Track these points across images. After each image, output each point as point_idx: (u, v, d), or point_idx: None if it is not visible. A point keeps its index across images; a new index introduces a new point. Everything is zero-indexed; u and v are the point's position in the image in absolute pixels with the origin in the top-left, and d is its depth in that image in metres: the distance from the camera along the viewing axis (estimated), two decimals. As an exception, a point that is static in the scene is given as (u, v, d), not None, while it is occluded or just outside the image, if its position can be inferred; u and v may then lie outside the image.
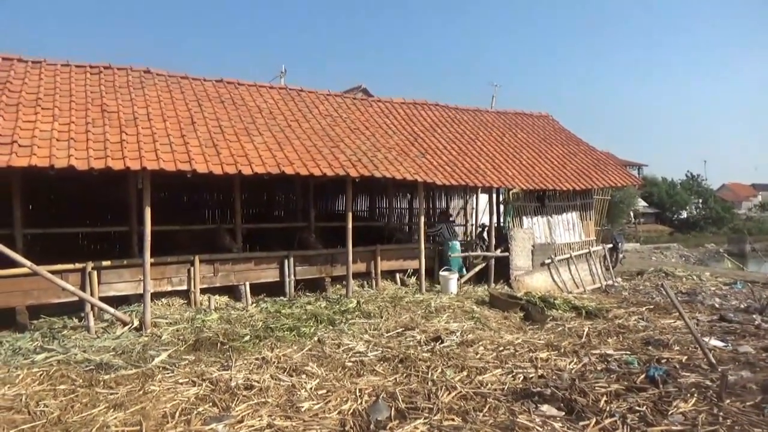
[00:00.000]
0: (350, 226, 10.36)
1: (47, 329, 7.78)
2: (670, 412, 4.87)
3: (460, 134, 13.69)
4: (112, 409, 5.03)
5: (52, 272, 7.73)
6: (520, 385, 5.72)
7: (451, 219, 14.81)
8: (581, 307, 9.85)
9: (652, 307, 10.24)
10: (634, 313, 9.63)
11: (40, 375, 5.92)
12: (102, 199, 12.54)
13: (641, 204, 49.73)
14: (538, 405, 5.10)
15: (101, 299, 8.19)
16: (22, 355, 6.64)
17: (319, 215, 13.62)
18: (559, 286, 12.83)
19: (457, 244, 12.63)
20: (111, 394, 5.42)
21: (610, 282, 13.96)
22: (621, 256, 16.98)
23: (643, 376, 5.85)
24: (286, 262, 10.23)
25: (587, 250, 13.79)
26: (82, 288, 8.14)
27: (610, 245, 15.59)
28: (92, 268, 8.35)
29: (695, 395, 5.21)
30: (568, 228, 13.76)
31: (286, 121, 11.05)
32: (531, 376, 6.04)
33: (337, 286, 10.85)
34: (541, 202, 13.24)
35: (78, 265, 8.28)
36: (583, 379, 5.88)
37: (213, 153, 8.81)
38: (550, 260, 12.93)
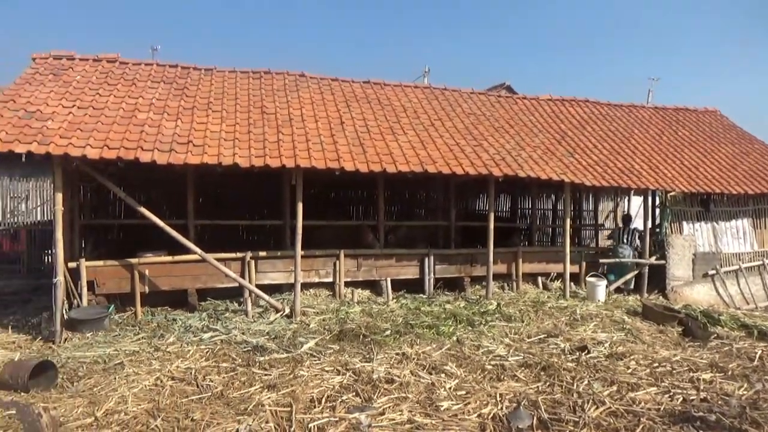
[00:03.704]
0: (492, 226, 10.18)
1: (212, 311, 8.65)
2: None
3: (612, 132, 12.84)
4: (266, 390, 5.45)
5: (218, 260, 8.58)
6: (679, 408, 5.23)
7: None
8: (753, 325, 8.75)
9: None
10: (822, 338, 8.37)
11: (207, 352, 6.60)
12: (259, 194, 13.56)
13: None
14: None
15: (257, 287, 8.90)
16: (192, 333, 7.45)
17: (459, 214, 13.56)
18: (724, 301, 11.53)
19: (626, 249, 11.78)
20: (265, 375, 5.87)
21: (789, 299, 12.25)
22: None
23: (834, 411, 5.07)
24: (426, 260, 10.33)
25: (761, 262, 12.23)
26: (242, 275, 8.91)
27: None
28: (250, 258, 9.09)
29: None
30: (737, 236, 12.30)
31: (429, 120, 11.14)
32: (692, 398, 5.49)
33: (476, 286, 10.72)
34: (705, 206, 11.96)
35: (239, 255, 9.06)
36: (756, 407, 5.22)
37: (359, 152, 9.14)
38: (714, 271, 11.66)
